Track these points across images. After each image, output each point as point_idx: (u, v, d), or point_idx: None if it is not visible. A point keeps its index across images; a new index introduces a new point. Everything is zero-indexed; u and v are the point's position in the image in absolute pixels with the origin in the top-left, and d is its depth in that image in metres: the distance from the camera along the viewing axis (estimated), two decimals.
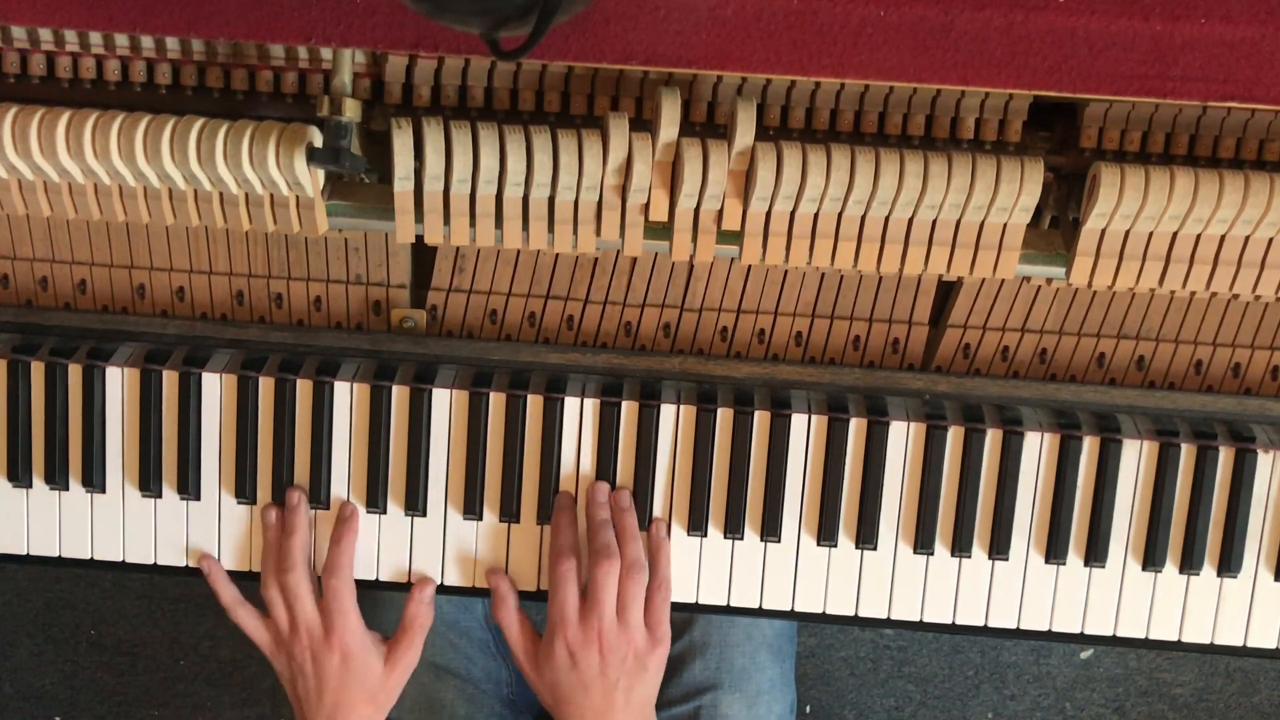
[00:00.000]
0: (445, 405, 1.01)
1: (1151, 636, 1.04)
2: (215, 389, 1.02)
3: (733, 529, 1.02)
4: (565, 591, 0.97)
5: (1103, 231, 0.87)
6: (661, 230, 0.88)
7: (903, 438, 1.01)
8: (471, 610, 1.22)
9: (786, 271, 1.01)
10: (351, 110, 0.83)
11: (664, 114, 0.82)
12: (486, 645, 1.22)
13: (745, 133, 0.82)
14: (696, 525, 1.02)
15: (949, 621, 1.04)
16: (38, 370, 1.01)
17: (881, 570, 1.03)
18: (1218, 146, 0.90)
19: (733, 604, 1.04)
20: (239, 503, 1.03)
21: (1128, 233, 0.87)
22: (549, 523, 1.02)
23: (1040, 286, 1.01)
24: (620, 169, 0.84)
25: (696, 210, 0.87)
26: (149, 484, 1.03)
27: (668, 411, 1.01)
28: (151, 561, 1.05)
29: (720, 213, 0.86)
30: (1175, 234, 0.87)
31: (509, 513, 1.02)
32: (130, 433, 1.02)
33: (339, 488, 1.03)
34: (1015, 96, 0.89)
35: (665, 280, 1.01)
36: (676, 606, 1.03)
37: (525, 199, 0.86)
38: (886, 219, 0.87)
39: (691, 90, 0.90)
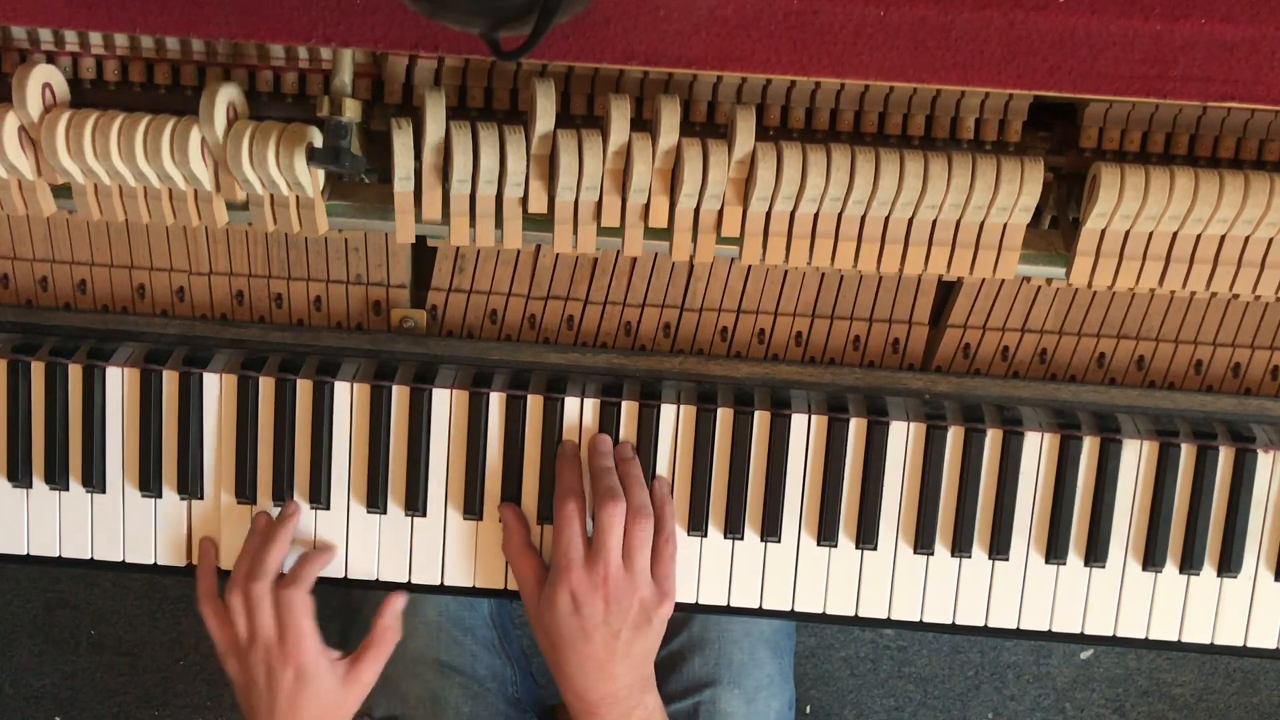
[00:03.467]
0: (445, 405, 1.01)
1: (1151, 636, 1.04)
2: (215, 389, 1.02)
3: (733, 529, 1.02)
4: (570, 533, 0.95)
5: (1103, 231, 0.87)
6: (661, 230, 0.88)
7: (903, 438, 1.01)
8: (477, 608, 1.22)
9: (786, 271, 1.01)
10: (351, 110, 0.83)
11: (664, 121, 0.82)
12: (492, 643, 1.22)
13: (745, 141, 0.82)
14: (696, 525, 1.02)
15: (949, 621, 1.04)
16: (38, 370, 1.01)
17: (881, 570, 1.03)
18: (1218, 146, 0.90)
19: (733, 604, 1.04)
20: (239, 503, 1.03)
21: (1128, 233, 0.87)
22: (550, 523, 1.02)
23: (1040, 286, 1.01)
24: (621, 152, 0.84)
25: (696, 210, 0.87)
26: (149, 484, 1.03)
27: (668, 411, 1.01)
28: (151, 561, 1.05)
29: (720, 214, 0.86)
30: (1175, 234, 0.87)
31: None
32: (130, 433, 1.02)
33: (339, 488, 1.03)
34: (1015, 96, 0.89)
35: (665, 280, 1.01)
36: (676, 607, 1.03)
37: (525, 199, 0.86)
38: (886, 219, 0.87)
39: (691, 90, 0.90)
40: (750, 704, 1.18)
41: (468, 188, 0.86)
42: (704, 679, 1.17)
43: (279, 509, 1.02)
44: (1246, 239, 0.87)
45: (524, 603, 1.00)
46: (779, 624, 1.24)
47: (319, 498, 1.02)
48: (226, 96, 0.83)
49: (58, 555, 1.04)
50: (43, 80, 0.84)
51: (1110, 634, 1.04)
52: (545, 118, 0.82)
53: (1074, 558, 1.03)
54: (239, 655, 0.98)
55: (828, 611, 1.04)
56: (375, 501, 1.02)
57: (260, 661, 0.97)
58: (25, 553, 1.05)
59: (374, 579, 1.04)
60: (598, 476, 0.98)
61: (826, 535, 1.02)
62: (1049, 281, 1.00)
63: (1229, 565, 1.03)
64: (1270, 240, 0.87)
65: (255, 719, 0.98)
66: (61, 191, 0.89)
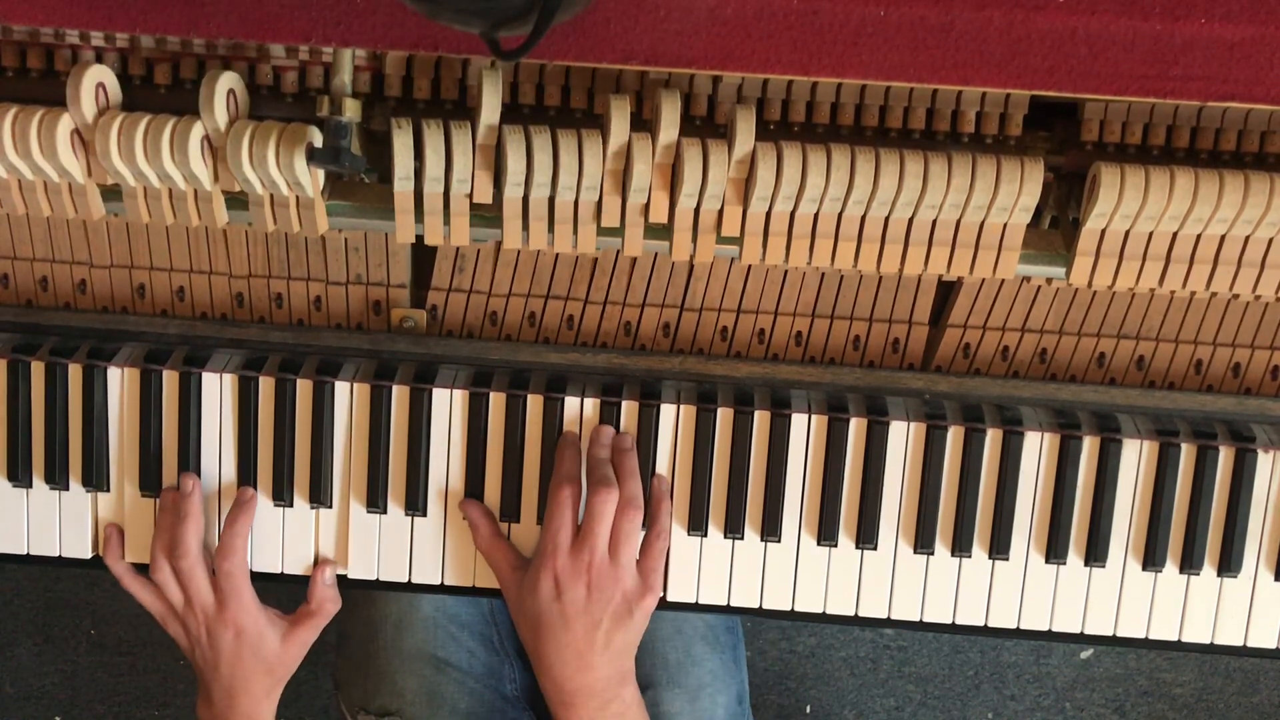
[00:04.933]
0: (445, 405, 1.01)
1: (1151, 636, 1.04)
2: (215, 389, 1.02)
3: (733, 529, 1.02)
4: (561, 518, 0.95)
5: (1103, 231, 0.87)
6: (661, 230, 0.88)
7: (903, 438, 1.01)
8: (475, 604, 1.22)
9: (786, 271, 1.01)
10: (351, 110, 0.83)
11: (664, 116, 0.82)
12: (489, 639, 1.22)
13: (745, 140, 0.82)
14: (696, 525, 1.02)
15: (949, 621, 1.04)
16: (38, 370, 1.01)
17: (881, 570, 1.03)
18: (1219, 141, 0.90)
19: (733, 604, 1.04)
20: None
21: (1128, 233, 0.87)
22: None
23: (1040, 286, 1.01)
24: (620, 153, 0.84)
25: (696, 210, 0.87)
26: (149, 484, 1.03)
27: (668, 411, 1.01)
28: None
29: (720, 215, 0.86)
30: (1175, 234, 0.87)
31: (509, 512, 1.02)
32: (130, 433, 1.02)
33: (339, 487, 1.03)
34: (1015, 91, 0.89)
35: (665, 280, 1.01)
36: (676, 607, 1.03)
37: (525, 199, 0.86)
38: (886, 219, 0.87)
39: (691, 88, 0.90)
40: (694, 702, 1.17)
41: (468, 187, 0.86)
42: (641, 682, 1.15)
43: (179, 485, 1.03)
44: (1246, 239, 0.87)
45: (504, 592, 1.00)
46: (715, 618, 1.21)
47: (319, 497, 1.02)
48: (227, 84, 0.83)
49: (58, 555, 1.04)
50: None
51: (1110, 634, 1.04)
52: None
53: (1074, 557, 1.03)
54: (178, 619, 1.02)
55: (828, 611, 1.04)
56: (375, 501, 1.02)
57: (200, 624, 1.00)
58: (25, 553, 1.05)
59: (374, 579, 1.04)
60: (594, 466, 0.98)
61: (826, 535, 1.02)
62: (1049, 281, 1.00)
63: (1229, 565, 1.03)
64: (1270, 240, 0.87)
65: (204, 675, 1.02)
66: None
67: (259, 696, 1.01)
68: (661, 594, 0.99)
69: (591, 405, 1.01)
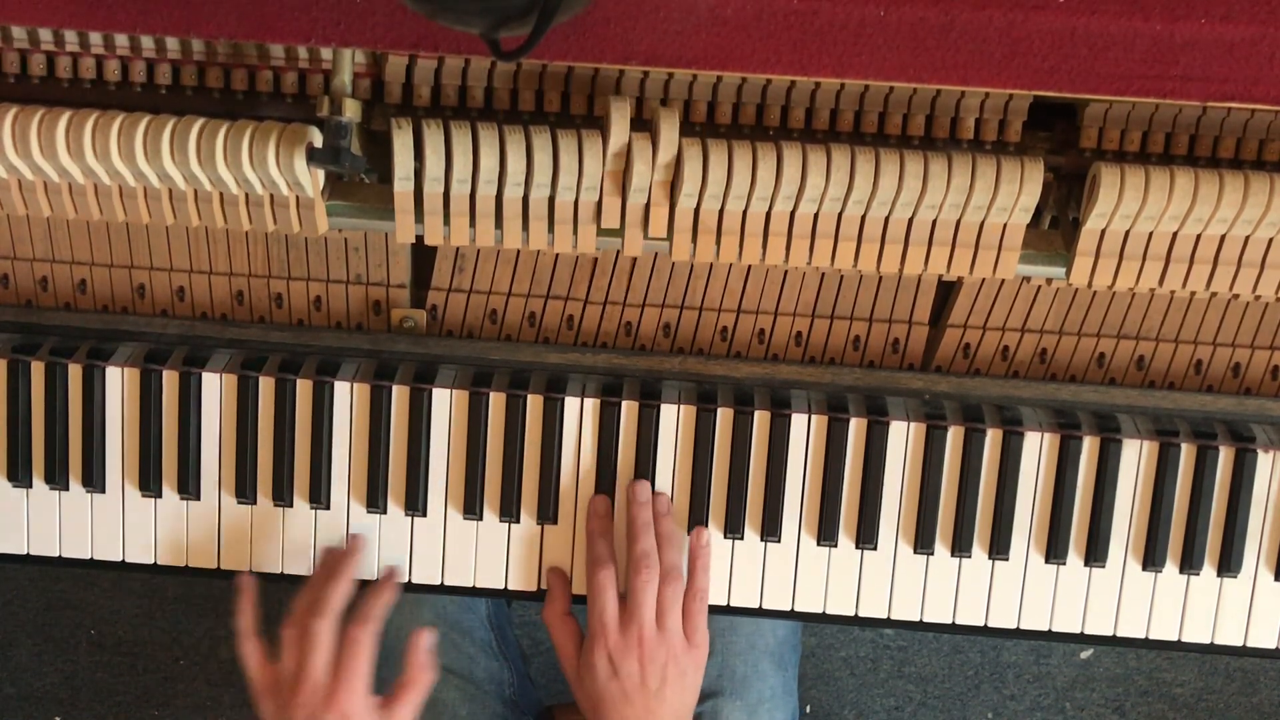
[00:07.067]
0: (445, 405, 1.01)
1: (1151, 636, 1.04)
2: (215, 389, 1.02)
3: (733, 529, 1.02)
4: (604, 600, 0.98)
5: (1103, 232, 0.87)
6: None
7: (903, 438, 1.01)
8: (475, 610, 1.22)
9: (786, 271, 1.01)
10: (351, 110, 0.83)
11: (663, 133, 0.83)
12: (489, 645, 1.22)
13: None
14: (697, 525, 1.02)
15: (949, 621, 1.04)
16: (38, 370, 1.01)
17: (881, 570, 1.03)
18: (1218, 146, 0.90)
19: (733, 604, 1.04)
20: (239, 503, 1.03)
21: (1128, 233, 0.87)
22: (550, 522, 1.02)
23: (1040, 286, 1.01)
24: (621, 154, 0.84)
25: (696, 210, 0.87)
26: (149, 484, 1.03)
27: (668, 411, 1.01)
28: (151, 561, 1.05)
29: (721, 214, 0.86)
30: (1175, 234, 0.87)
31: (509, 513, 1.02)
32: (130, 433, 1.02)
33: (339, 488, 1.03)
34: (1015, 96, 0.89)
35: (665, 280, 1.01)
36: None
37: (525, 199, 0.86)
38: (886, 219, 0.87)
39: (691, 90, 0.90)
40: (752, 716, 1.19)
41: (468, 187, 0.86)
42: (706, 690, 1.17)
43: (348, 541, 1.01)
44: (1246, 239, 0.87)
45: (563, 667, 1.02)
46: (784, 637, 1.24)
47: (319, 498, 1.02)
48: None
49: (58, 555, 1.04)
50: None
51: (1110, 634, 1.04)
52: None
53: (1074, 557, 1.03)
54: (276, 697, 0.95)
55: (828, 611, 1.04)
56: (375, 501, 1.02)
57: (302, 705, 0.93)
58: (25, 553, 1.05)
59: (374, 579, 1.04)
60: (634, 538, 0.99)
61: (826, 535, 1.02)
62: (1049, 281, 1.00)
63: (1229, 565, 1.03)
64: (1270, 240, 0.87)
65: None
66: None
67: None
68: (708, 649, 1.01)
69: (591, 405, 1.01)
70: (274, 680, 0.96)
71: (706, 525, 1.02)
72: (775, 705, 1.21)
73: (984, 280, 1.00)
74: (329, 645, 0.94)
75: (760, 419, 1.01)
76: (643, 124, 0.87)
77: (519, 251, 1.00)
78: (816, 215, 0.86)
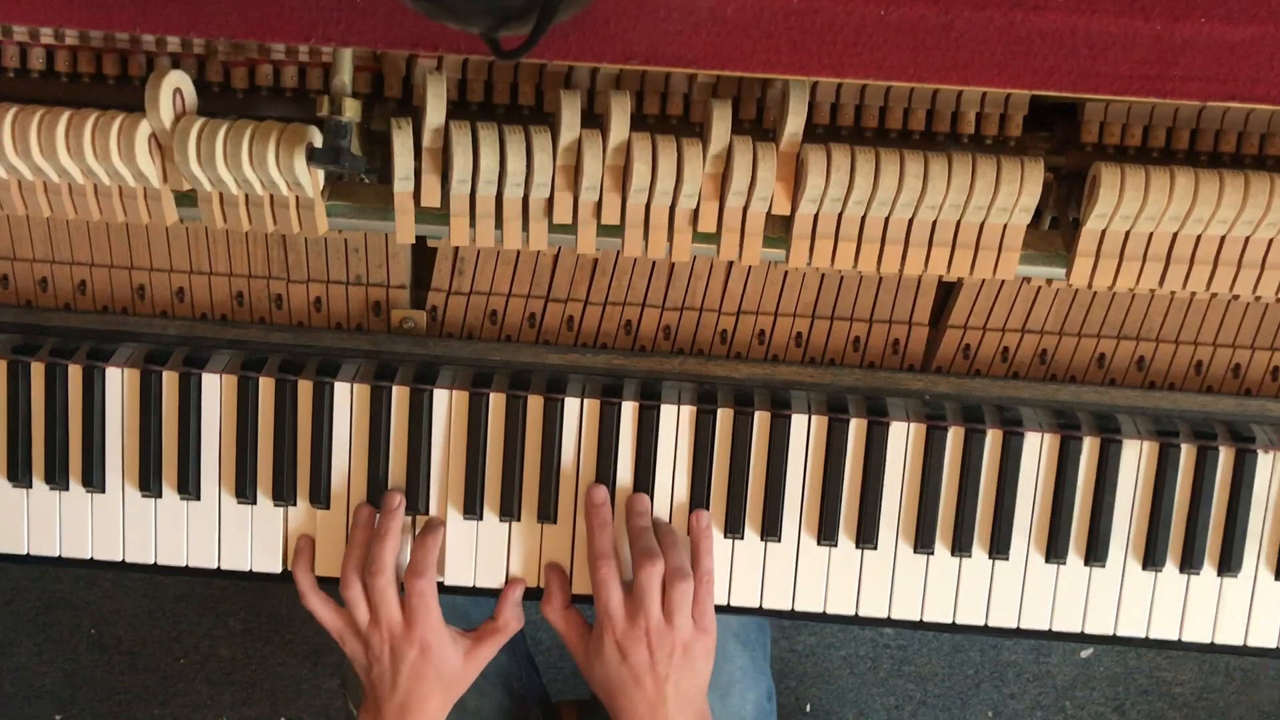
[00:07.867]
0: (445, 405, 1.01)
1: (1152, 636, 1.04)
2: (215, 389, 1.02)
3: (733, 529, 1.02)
4: (609, 592, 0.99)
5: (1103, 232, 0.87)
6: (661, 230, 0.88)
7: (903, 438, 1.01)
8: (481, 601, 1.22)
9: (786, 272, 1.01)
10: (351, 110, 0.83)
11: (660, 153, 0.82)
12: None
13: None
14: (697, 509, 1.02)
15: (949, 621, 1.04)
16: (38, 370, 1.01)
17: (882, 570, 1.03)
18: (1219, 142, 0.90)
19: (733, 604, 1.04)
20: (239, 503, 1.03)
21: (1128, 233, 0.87)
22: (550, 522, 1.02)
23: (1040, 287, 1.01)
24: (620, 149, 0.84)
25: (696, 210, 0.87)
26: (149, 484, 1.03)
27: (668, 412, 1.01)
28: (151, 561, 1.05)
29: (721, 215, 0.86)
30: (1175, 234, 0.87)
31: (509, 512, 1.02)
32: (130, 433, 1.02)
33: (339, 488, 1.03)
34: (1016, 91, 0.89)
35: (665, 280, 1.01)
36: None
37: (525, 199, 0.86)
38: (886, 220, 0.87)
39: (691, 88, 0.90)
40: (724, 699, 1.19)
41: (467, 188, 0.85)
42: None
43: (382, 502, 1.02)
44: (1246, 239, 0.87)
45: (573, 656, 1.03)
46: (747, 617, 1.24)
47: (319, 498, 1.02)
48: (172, 83, 0.83)
49: (58, 555, 1.04)
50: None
51: (1110, 633, 1.04)
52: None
53: (1074, 557, 1.03)
54: (359, 636, 1.00)
55: (828, 611, 1.04)
56: (375, 502, 1.02)
57: (384, 641, 0.99)
58: (25, 553, 1.05)
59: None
60: (636, 537, 1.00)
61: (826, 535, 1.02)
62: (1049, 282, 1.00)
63: (1229, 565, 1.03)
64: (1270, 240, 0.87)
65: (376, 691, 1.01)
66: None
67: (434, 714, 1.01)
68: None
69: (591, 406, 1.01)
70: (351, 624, 1.01)
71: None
72: (747, 686, 1.21)
73: (984, 281, 1.00)
74: (395, 594, 0.99)
75: (760, 419, 1.01)
76: (641, 121, 0.87)
77: (519, 252, 1.00)
78: (816, 216, 0.86)
